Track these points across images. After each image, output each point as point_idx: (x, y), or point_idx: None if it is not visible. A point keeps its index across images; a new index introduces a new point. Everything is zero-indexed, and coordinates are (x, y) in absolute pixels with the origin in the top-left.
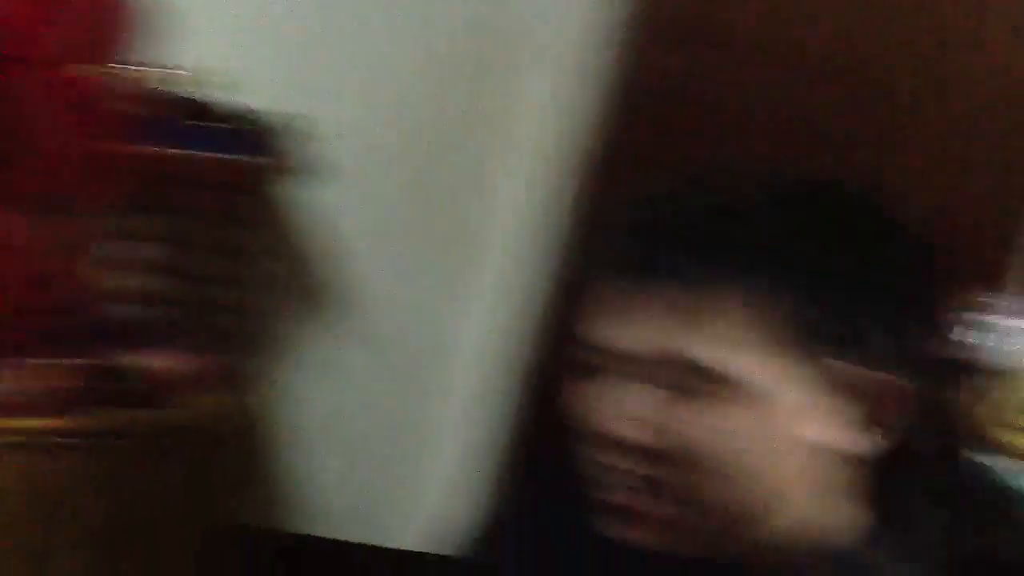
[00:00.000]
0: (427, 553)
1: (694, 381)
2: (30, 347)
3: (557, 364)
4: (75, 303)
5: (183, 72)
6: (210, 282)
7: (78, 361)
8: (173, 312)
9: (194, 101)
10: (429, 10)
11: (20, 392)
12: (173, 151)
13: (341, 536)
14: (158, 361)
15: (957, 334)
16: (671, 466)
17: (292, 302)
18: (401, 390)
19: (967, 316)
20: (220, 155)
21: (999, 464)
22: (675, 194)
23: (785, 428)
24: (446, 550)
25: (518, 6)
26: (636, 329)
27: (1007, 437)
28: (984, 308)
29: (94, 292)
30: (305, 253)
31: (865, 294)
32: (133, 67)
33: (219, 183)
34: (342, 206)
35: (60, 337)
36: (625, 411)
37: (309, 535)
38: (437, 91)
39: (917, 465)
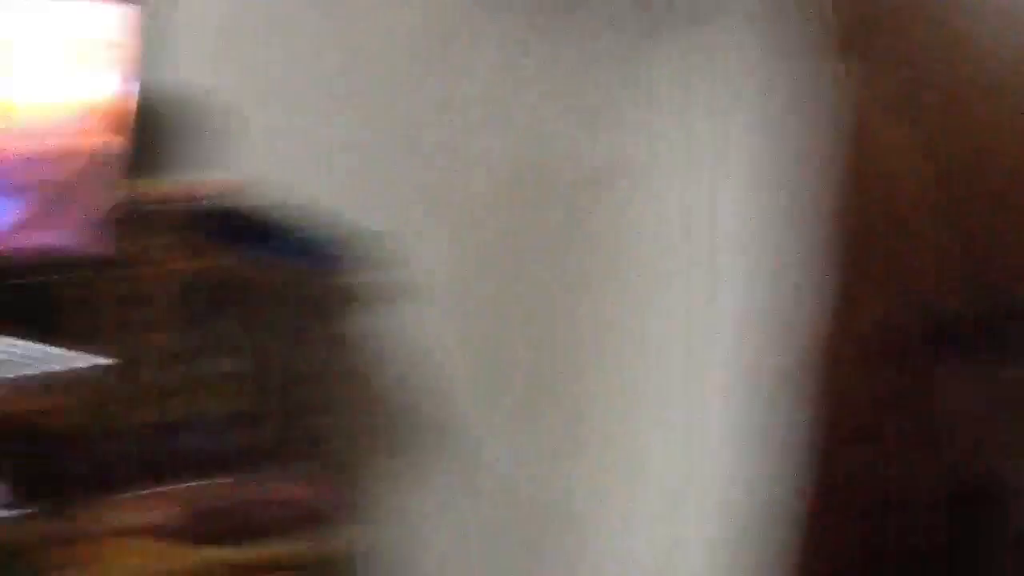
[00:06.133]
0: None
1: None
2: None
3: None
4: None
5: (245, 184)
6: (301, 404)
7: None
8: (268, 435)
9: (262, 213)
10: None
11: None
12: (248, 259)
13: None
14: (273, 489)
15: None
16: None
17: (388, 431)
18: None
19: None
20: (298, 265)
21: None
22: None
23: None
24: None
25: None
26: None
27: None
28: None
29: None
30: (392, 379)
31: None
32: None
33: (296, 296)
34: (429, 327)
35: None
36: None
37: None
38: (532, 201)
39: None
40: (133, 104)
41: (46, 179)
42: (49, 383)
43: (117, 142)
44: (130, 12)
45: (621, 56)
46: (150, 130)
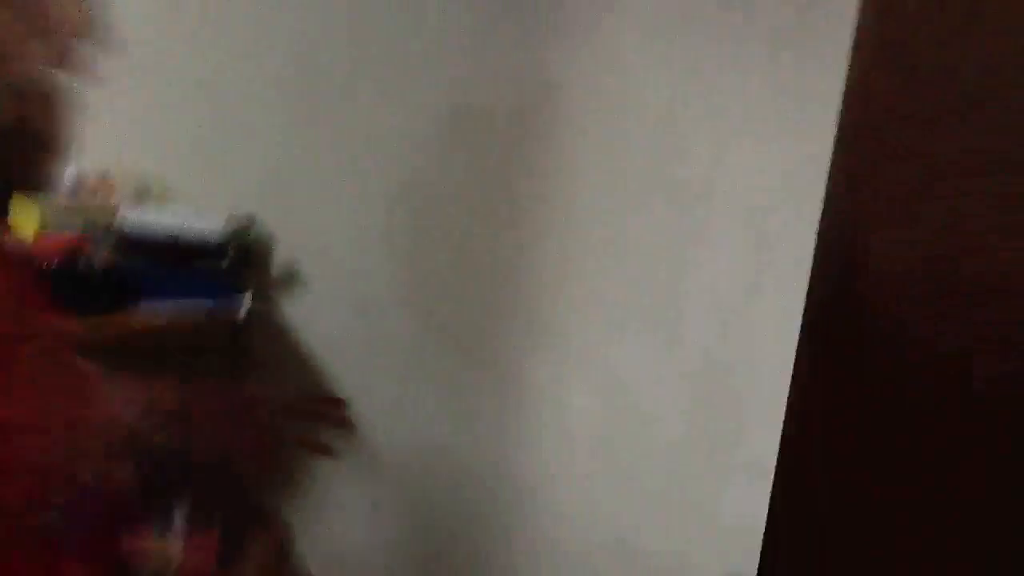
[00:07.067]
0: None
1: None
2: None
3: None
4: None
5: (114, 179)
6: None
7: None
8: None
9: (157, 235)
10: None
11: None
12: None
13: None
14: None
15: None
16: None
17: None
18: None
19: None
20: (196, 309)
21: None
22: None
23: None
24: None
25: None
26: None
27: None
28: None
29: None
30: (301, 374)
31: None
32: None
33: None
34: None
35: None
36: None
37: None
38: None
39: None
40: None
41: None
42: None
43: None
44: None
45: None
46: None
